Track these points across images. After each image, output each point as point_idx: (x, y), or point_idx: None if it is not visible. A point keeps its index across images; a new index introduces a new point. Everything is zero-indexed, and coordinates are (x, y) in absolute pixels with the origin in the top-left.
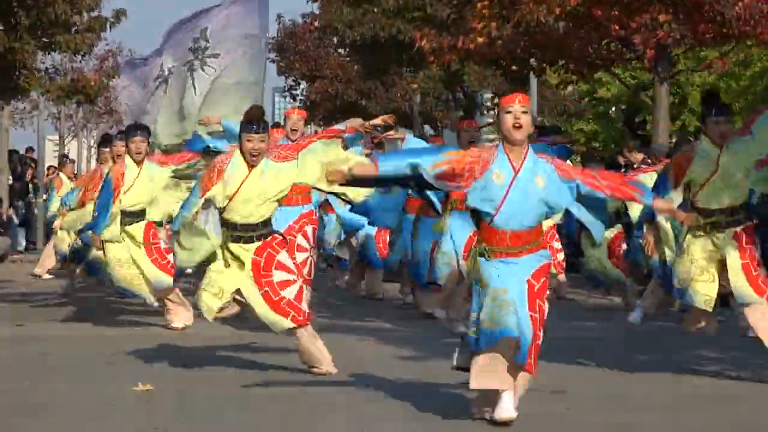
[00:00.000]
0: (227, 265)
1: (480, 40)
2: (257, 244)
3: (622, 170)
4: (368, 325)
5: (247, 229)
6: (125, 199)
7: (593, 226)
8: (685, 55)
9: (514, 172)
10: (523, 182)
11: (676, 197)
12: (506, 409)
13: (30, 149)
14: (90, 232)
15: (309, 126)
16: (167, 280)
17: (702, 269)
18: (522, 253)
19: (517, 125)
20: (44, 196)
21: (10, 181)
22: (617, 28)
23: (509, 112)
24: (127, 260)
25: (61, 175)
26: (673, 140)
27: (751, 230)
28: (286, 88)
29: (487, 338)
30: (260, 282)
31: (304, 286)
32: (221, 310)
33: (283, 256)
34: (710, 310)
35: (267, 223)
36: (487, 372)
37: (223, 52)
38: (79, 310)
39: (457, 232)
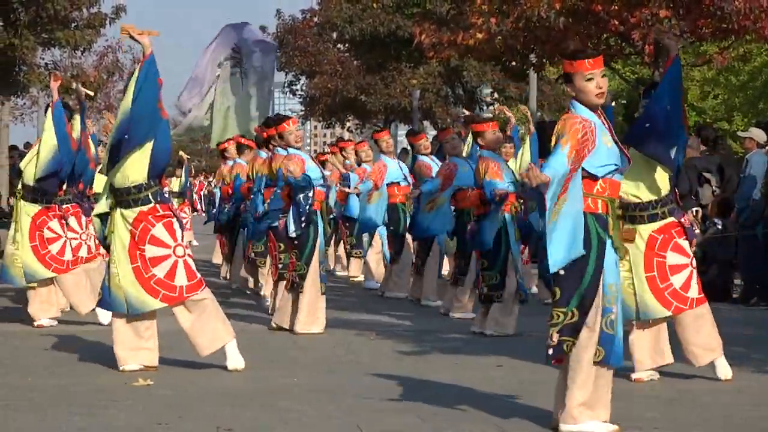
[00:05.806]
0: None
1: (479, 35)
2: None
3: None
4: (373, 320)
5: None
6: None
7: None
8: (684, 50)
9: (609, 132)
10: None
11: None
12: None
13: (28, 144)
14: None
15: (308, 121)
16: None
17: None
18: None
19: (599, 94)
20: None
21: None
22: (617, 23)
23: (590, 80)
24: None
25: None
26: None
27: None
28: (286, 84)
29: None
30: (133, 255)
31: None
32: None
33: (158, 230)
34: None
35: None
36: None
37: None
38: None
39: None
